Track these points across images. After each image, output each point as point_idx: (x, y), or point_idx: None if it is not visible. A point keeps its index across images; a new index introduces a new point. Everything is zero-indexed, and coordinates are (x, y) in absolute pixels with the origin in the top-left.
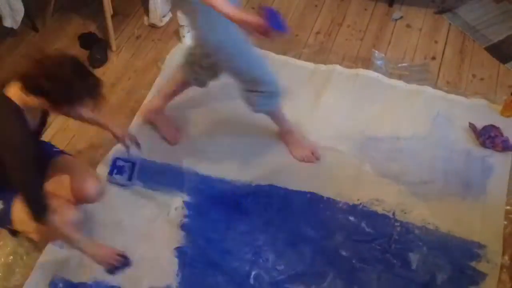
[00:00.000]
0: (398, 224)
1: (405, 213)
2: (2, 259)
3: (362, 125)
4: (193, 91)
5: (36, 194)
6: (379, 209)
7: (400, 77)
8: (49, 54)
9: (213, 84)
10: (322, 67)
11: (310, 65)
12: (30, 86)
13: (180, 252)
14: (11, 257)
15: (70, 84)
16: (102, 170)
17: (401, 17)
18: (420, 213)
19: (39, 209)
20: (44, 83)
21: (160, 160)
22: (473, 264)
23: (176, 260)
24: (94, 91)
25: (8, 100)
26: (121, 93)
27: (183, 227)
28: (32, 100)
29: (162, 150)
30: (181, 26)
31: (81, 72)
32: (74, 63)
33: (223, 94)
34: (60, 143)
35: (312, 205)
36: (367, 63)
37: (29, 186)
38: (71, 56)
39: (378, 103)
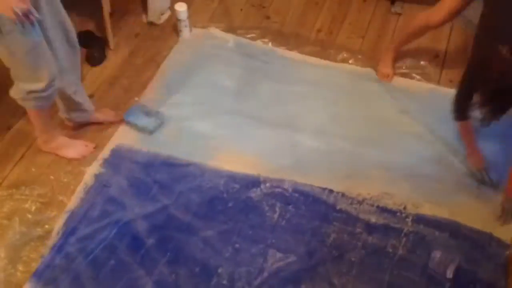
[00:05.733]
0: (410, 218)
1: (417, 207)
2: None
3: (365, 123)
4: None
5: None
6: (390, 203)
7: (402, 75)
8: None
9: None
10: (322, 62)
11: (310, 58)
12: None
13: None
14: None
15: None
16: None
17: (401, 8)
18: (431, 207)
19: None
20: None
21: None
22: (487, 256)
23: None
24: None
25: None
26: (119, 91)
27: None
28: None
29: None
30: (179, 20)
31: None
32: None
33: None
34: None
35: (321, 199)
36: (368, 61)
37: None
38: None
39: (379, 102)
